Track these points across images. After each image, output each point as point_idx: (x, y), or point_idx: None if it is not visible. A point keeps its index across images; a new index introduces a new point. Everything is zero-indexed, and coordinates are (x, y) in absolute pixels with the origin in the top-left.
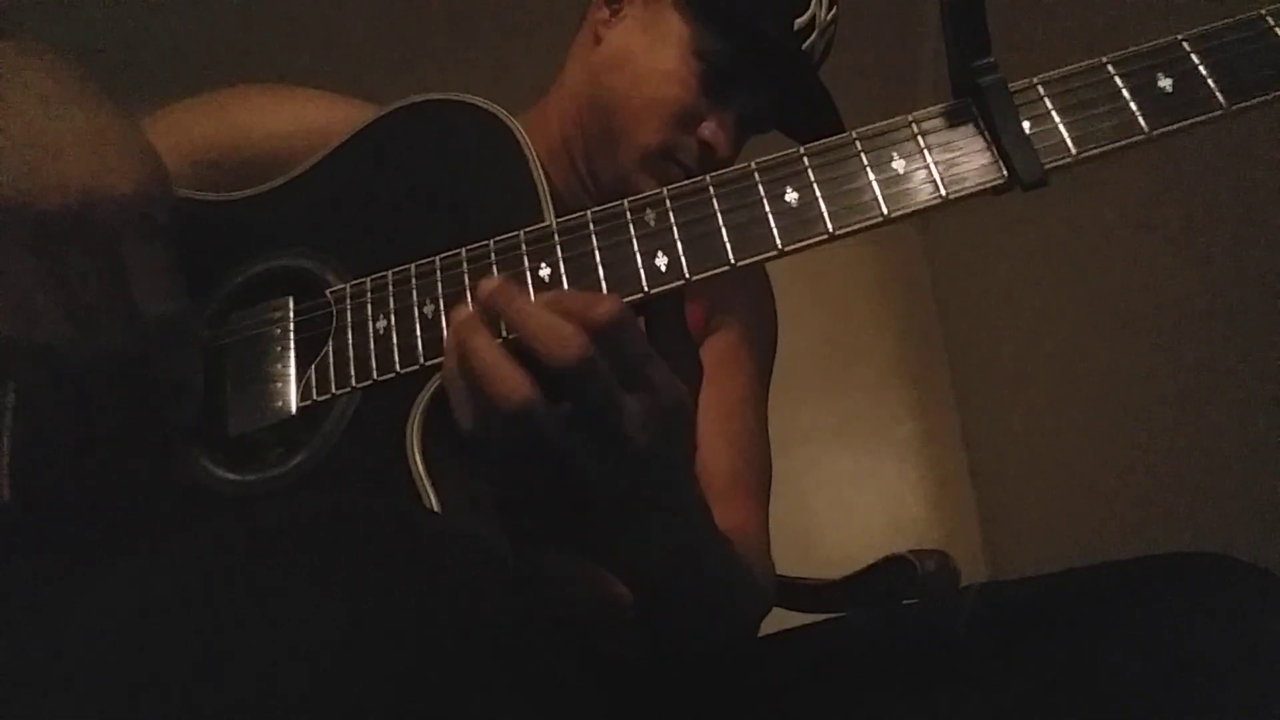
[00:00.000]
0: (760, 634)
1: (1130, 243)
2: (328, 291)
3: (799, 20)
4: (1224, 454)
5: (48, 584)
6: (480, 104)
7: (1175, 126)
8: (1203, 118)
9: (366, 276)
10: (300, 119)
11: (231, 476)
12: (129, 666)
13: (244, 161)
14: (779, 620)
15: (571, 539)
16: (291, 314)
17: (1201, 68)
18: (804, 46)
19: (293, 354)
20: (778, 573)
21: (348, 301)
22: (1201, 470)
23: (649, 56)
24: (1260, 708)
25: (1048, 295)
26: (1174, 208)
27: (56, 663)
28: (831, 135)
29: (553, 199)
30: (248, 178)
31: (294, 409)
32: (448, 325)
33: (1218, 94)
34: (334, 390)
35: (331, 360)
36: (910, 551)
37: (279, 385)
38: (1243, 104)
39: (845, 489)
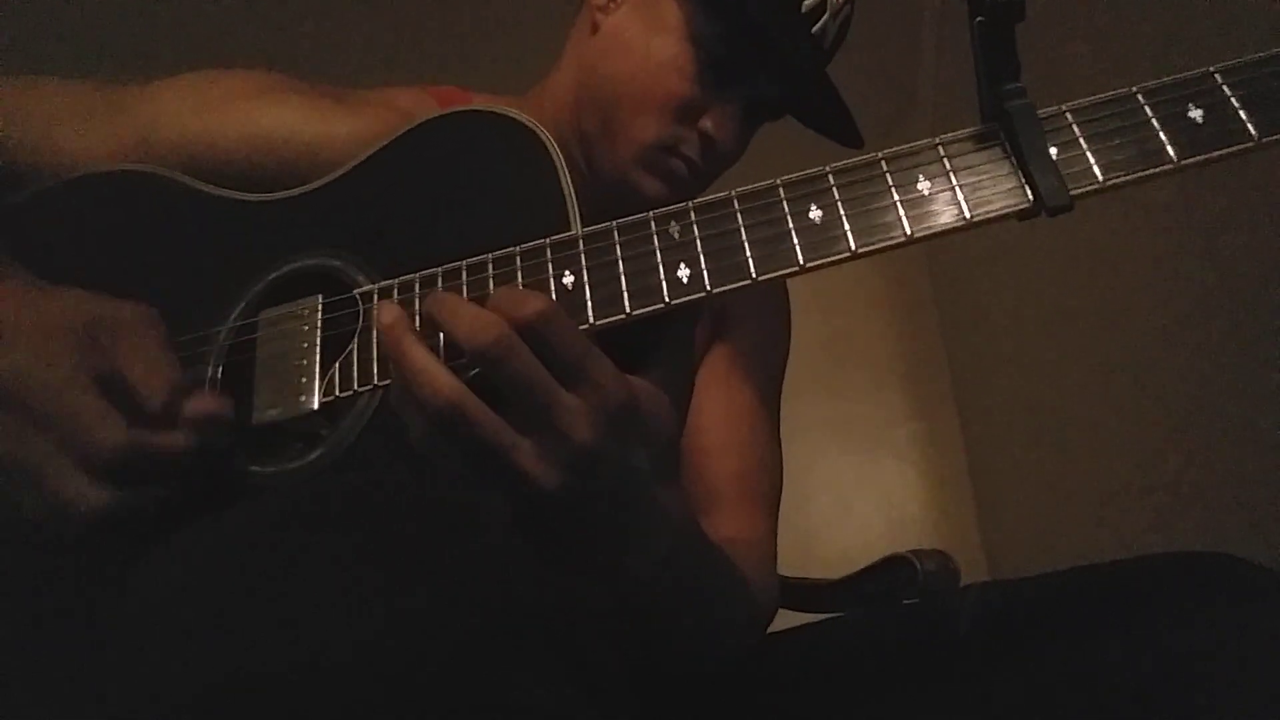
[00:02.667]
0: None
1: (1130, 243)
2: (355, 291)
3: (807, 2)
4: (1224, 454)
5: (77, 571)
6: (514, 115)
7: (1205, 157)
8: (1234, 149)
9: (394, 279)
10: (278, 131)
11: (252, 468)
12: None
13: (229, 169)
14: (779, 620)
15: (549, 550)
16: (319, 312)
17: (1233, 99)
18: (814, 30)
19: (318, 350)
20: (778, 573)
21: (375, 301)
22: (1201, 470)
23: (646, 45)
24: (1260, 707)
25: (1047, 295)
26: (1175, 209)
27: (89, 650)
28: (842, 124)
29: None
30: (243, 181)
31: (316, 404)
32: None
33: (1249, 125)
34: (356, 387)
35: (356, 358)
36: (910, 551)
37: (303, 380)
38: (1274, 136)
39: (845, 489)
